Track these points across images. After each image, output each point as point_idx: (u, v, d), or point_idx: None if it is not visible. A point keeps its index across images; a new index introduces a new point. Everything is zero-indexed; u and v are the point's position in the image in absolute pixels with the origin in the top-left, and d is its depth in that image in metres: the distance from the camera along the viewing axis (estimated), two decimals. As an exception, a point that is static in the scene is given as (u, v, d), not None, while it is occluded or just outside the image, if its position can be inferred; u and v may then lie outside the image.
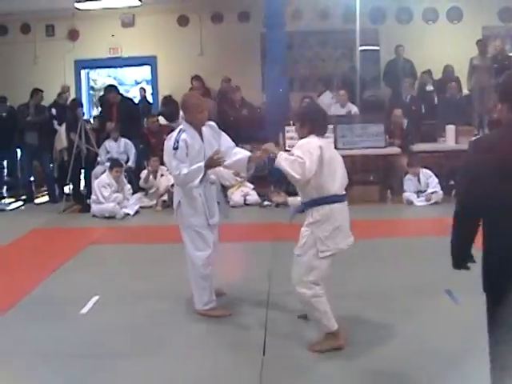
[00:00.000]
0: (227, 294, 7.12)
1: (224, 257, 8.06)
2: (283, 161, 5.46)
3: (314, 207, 5.56)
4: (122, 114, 13.91)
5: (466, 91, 15.59)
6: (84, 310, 6.84)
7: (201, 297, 6.55)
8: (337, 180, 5.59)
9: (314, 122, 5.73)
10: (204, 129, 6.51)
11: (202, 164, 6.20)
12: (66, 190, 13.51)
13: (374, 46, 16.83)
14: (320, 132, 5.72)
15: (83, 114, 13.71)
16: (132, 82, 20.55)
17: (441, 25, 16.90)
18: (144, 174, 13.00)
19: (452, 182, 13.16)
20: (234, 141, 6.79)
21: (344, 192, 5.67)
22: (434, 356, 5.46)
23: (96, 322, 6.50)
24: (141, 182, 12.93)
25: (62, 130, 13.45)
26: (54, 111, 14.19)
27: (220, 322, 6.38)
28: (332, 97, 15.06)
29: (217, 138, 6.58)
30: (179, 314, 6.66)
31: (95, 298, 7.14)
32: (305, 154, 5.35)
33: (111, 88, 14.85)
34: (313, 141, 5.56)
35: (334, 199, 5.56)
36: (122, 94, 15.03)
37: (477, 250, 3.98)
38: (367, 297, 7.07)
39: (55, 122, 14.07)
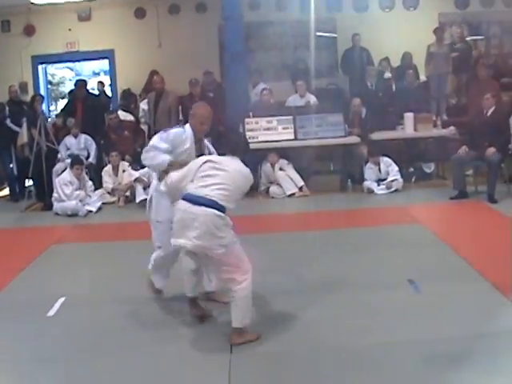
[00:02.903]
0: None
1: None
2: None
3: None
4: (87, 109, 13.89)
5: (423, 78, 15.76)
6: (51, 313, 6.80)
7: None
8: (201, 183, 5.80)
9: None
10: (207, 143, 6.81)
11: (166, 160, 6.35)
12: (28, 187, 13.46)
13: (331, 34, 16.94)
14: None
15: (42, 110, 13.66)
16: (89, 73, 20.44)
17: (397, 12, 17.06)
18: (107, 173, 13.00)
19: (412, 170, 13.32)
20: None
21: (203, 195, 5.71)
22: (396, 347, 5.56)
23: (64, 325, 6.48)
24: (107, 188, 12.91)
25: (24, 125, 13.30)
26: (7, 109, 14.02)
27: (189, 321, 6.38)
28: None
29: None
30: (148, 313, 6.67)
31: (61, 300, 7.10)
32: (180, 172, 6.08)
33: (82, 82, 14.85)
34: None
35: (184, 197, 5.81)
36: (87, 90, 14.98)
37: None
38: (327, 287, 7.12)
39: (8, 120, 13.89)
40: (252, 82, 15.08)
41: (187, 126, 6.62)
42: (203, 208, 5.62)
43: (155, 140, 6.53)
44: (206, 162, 5.88)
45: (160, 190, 6.53)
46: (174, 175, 6.06)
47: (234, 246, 5.76)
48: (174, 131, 6.57)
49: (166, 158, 6.34)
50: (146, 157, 6.53)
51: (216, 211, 5.64)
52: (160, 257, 6.77)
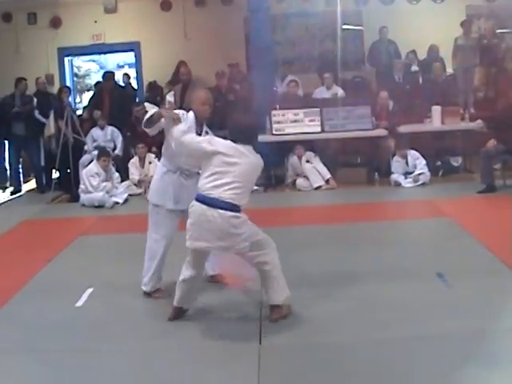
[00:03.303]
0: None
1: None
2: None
3: None
4: (114, 101, 13.90)
5: (450, 71, 15.66)
6: (79, 303, 6.82)
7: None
8: (213, 182, 5.78)
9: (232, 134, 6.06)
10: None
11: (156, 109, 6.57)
12: (54, 178, 13.51)
13: (357, 27, 16.86)
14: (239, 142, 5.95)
15: (69, 102, 13.71)
16: (114, 66, 20.47)
17: (424, 5, 16.88)
18: (133, 165, 13.02)
19: (439, 163, 13.23)
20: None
21: (217, 197, 5.71)
22: (426, 340, 5.50)
23: (92, 315, 6.50)
24: (134, 180, 12.93)
25: (51, 116, 13.32)
26: (35, 101, 14.09)
27: (218, 312, 6.40)
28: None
29: None
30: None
31: (89, 291, 7.12)
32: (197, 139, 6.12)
33: (110, 74, 14.98)
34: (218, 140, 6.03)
35: (197, 197, 5.82)
36: (115, 82, 15.03)
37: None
38: (353, 280, 7.09)
39: (36, 112, 13.95)
40: (281, 74, 15.06)
41: (190, 112, 6.70)
42: (219, 211, 5.68)
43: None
44: (217, 153, 5.82)
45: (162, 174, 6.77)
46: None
47: (255, 235, 5.87)
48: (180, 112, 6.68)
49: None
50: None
51: (231, 213, 5.70)
52: (153, 241, 6.81)
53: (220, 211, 5.66)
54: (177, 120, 6.33)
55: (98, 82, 16.08)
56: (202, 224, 5.72)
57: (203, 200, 5.74)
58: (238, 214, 5.74)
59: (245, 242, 5.76)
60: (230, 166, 5.77)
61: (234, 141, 5.89)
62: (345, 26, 15.93)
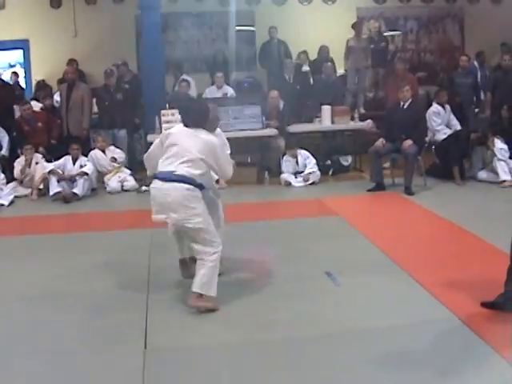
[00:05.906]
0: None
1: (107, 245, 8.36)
2: None
3: None
4: (1, 99, 13.47)
5: (342, 71, 15.85)
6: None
7: None
8: (166, 161, 6.20)
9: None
10: None
11: None
12: None
13: (249, 27, 16.90)
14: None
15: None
16: (5, 65, 19.97)
17: (316, 6, 17.14)
18: (19, 164, 12.58)
19: (329, 162, 13.33)
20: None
21: (171, 170, 6.08)
22: (313, 340, 5.48)
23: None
24: (17, 174, 12.46)
25: None
26: None
27: (95, 312, 6.24)
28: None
29: None
30: (47, 312, 6.40)
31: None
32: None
33: None
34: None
35: (155, 176, 6.26)
36: (1, 79, 14.55)
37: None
38: (245, 281, 7.05)
39: None
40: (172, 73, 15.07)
41: None
42: (174, 184, 6.04)
43: None
44: (165, 142, 6.31)
45: None
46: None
47: (208, 219, 6.19)
48: None
49: None
50: None
51: (185, 185, 6.02)
52: None
53: (175, 184, 6.02)
54: None
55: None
56: (159, 198, 6.13)
57: (160, 177, 6.15)
58: (191, 187, 6.05)
59: (198, 216, 6.04)
60: (174, 146, 6.18)
61: (186, 125, 6.33)
62: (237, 26, 15.96)
